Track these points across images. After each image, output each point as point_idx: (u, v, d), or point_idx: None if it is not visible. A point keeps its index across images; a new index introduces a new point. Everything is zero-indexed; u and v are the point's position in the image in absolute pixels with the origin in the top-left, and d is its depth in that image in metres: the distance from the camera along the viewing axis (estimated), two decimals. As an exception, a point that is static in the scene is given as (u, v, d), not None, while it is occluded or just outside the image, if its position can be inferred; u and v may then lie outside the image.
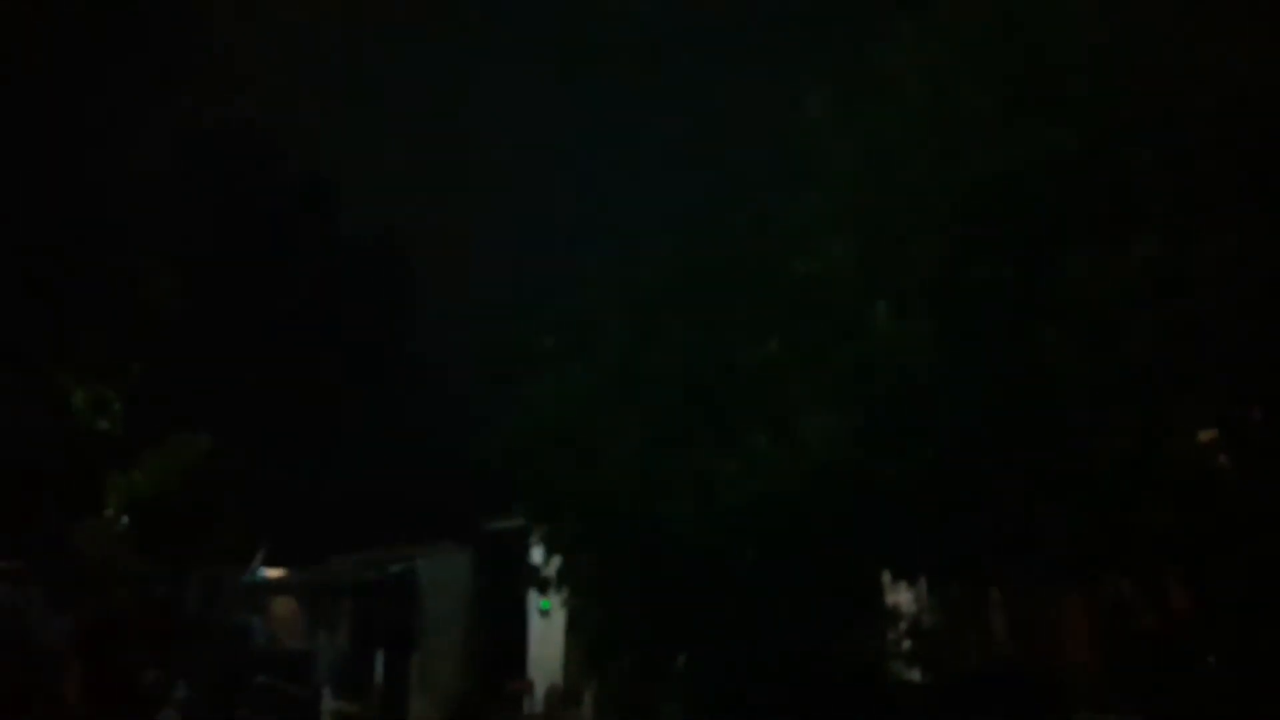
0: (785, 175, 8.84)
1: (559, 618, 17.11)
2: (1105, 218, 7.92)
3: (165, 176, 11.95)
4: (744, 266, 8.83)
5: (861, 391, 7.62)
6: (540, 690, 17.38)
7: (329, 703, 17.86)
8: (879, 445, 7.61)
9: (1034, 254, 7.88)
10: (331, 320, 15.83)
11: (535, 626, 18.27)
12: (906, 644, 9.47)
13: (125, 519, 14.30)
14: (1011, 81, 7.98)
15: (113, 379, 13.82)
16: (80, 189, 9.83)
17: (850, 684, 8.74)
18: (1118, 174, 7.86)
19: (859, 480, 7.69)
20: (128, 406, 14.01)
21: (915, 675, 9.85)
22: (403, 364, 17.31)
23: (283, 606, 21.22)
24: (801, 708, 8.55)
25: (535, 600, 17.65)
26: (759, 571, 8.18)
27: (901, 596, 10.03)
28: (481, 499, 17.74)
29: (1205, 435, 7.94)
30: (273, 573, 20.24)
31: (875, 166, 8.20)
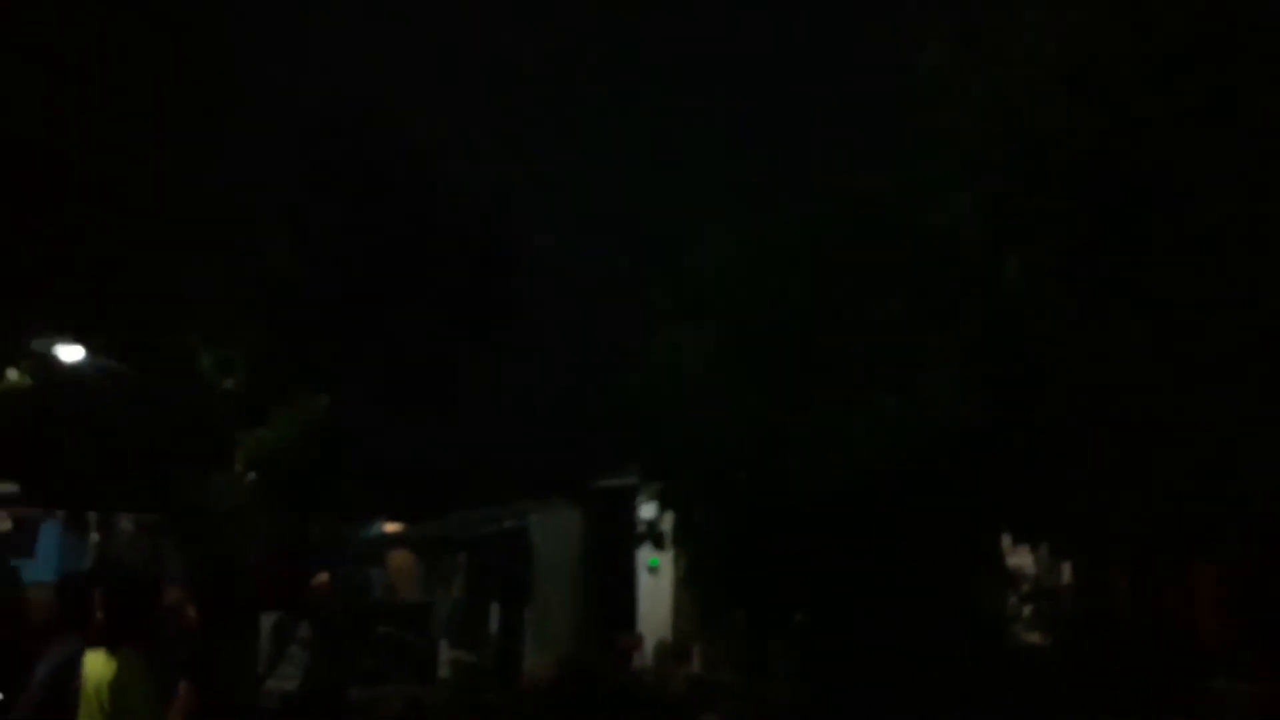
0: (912, 128, 8.64)
1: (667, 575, 17.27)
2: (1246, 167, 7.57)
3: (276, 146, 12.30)
4: (869, 222, 8.67)
5: (991, 348, 7.46)
6: (650, 646, 17.60)
7: (447, 653, 18.36)
8: (1007, 403, 7.46)
9: (1169, 204, 7.60)
10: (440, 280, 16.11)
11: (644, 583, 18.46)
12: (1027, 609, 9.33)
13: (252, 474, 14.88)
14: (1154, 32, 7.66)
15: (236, 341, 14.32)
16: (201, 157, 10.18)
17: (971, 645, 8.64)
18: (1256, 123, 7.51)
19: (985, 439, 7.56)
20: (251, 367, 14.51)
21: (1036, 639, 9.70)
22: (512, 323, 17.53)
23: (400, 559, 21.87)
24: (920, 668, 8.49)
25: (643, 558, 17.83)
26: (880, 529, 8.12)
27: (1023, 559, 9.87)
28: (589, 458, 17.94)
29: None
30: (390, 527, 20.86)
31: (1003, 117, 7.97)
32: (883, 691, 8.68)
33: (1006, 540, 9.50)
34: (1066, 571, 9.70)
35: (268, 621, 11.70)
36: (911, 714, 8.42)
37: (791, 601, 9.15)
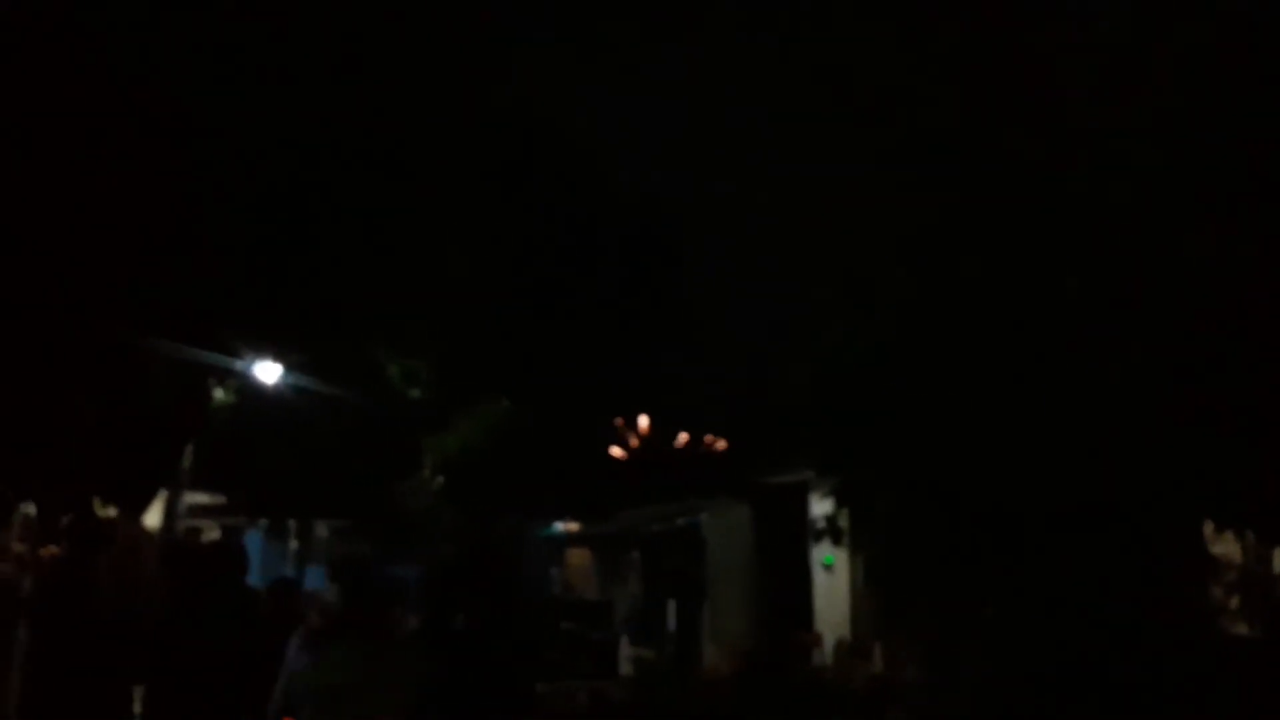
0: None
1: (843, 572, 17.13)
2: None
3: (453, 159, 12.80)
4: (1035, 193, 8.33)
5: (1186, 328, 7.18)
6: (829, 643, 17.49)
7: (626, 649, 18.69)
8: (1207, 385, 7.16)
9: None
10: (606, 283, 16.45)
11: (819, 580, 18.37)
12: (1235, 599, 8.90)
13: (440, 478, 15.54)
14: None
15: (423, 352, 14.96)
16: (387, 175, 10.74)
17: (1175, 640, 8.30)
18: None
19: (1183, 422, 7.27)
20: (436, 376, 15.14)
21: (1244, 631, 9.25)
22: (678, 325, 17.73)
23: (576, 557, 22.40)
24: (1123, 665, 8.21)
25: (817, 555, 17.76)
26: (1074, 520, 7.89)
27: (1228, 548, 9.42)
28: (759, 453, 17.95)
29: None
30: (567, 526, 21.38)
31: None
32: (1080, 691, 8.43)
33: (1209, 528, 9.09)
34: (1277, 559, 9.20)
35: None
36: (1111, 715, 8.16)
37: (982, 597, 8.97)
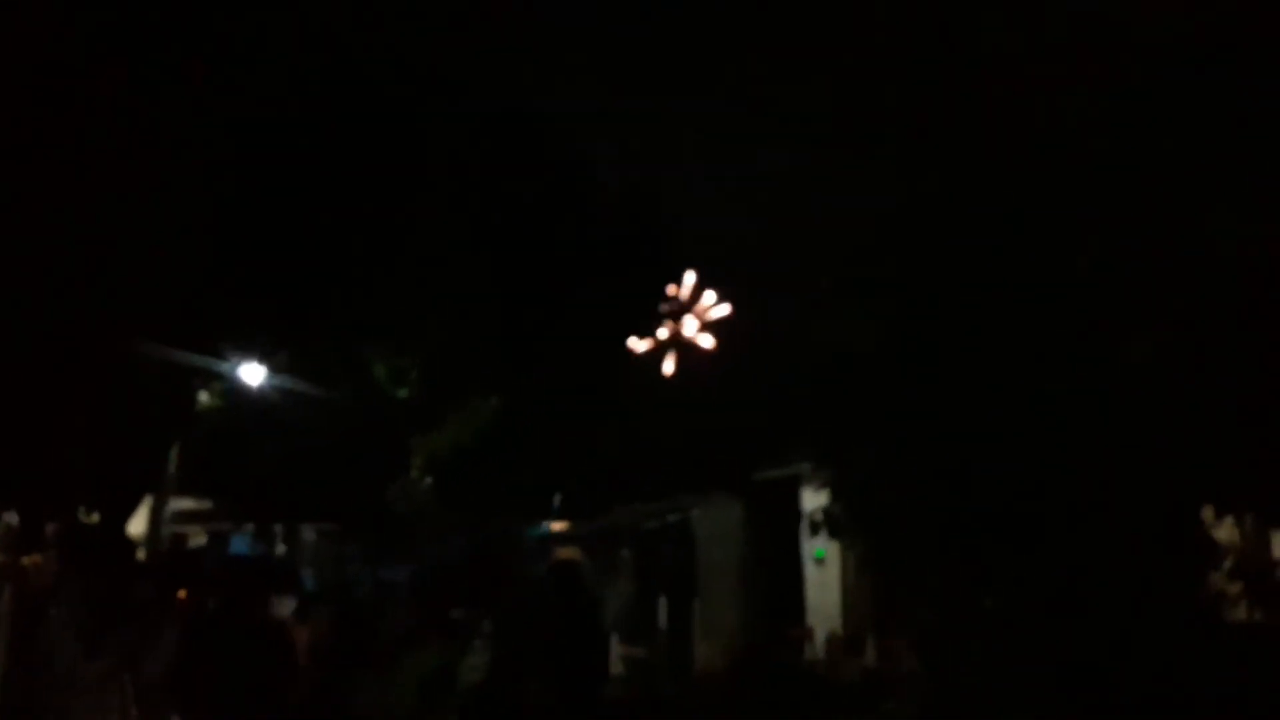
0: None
1: (834, 566, 17.08)
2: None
3: (441, 158, 12.66)
4: (1044, 170, 8.17)
5: (1189, 313, 7.11)
6: (821, 637, 17.43)
7: (617, 648, 18.55)
8: (1205, 372, 7.10)
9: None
10: (599, 280, 16.34)
11: (811, 575, 18.31)
12: (1236, 585, 8.86)
13: (429, 479, 15.40)
14: None
15: (408, 349, 14.81)
16: (373, 172, 10.59)
17: (1180, 627, 8.23)
18: None
19: (1184, 408, 7.21)
20: (424, 375, 14.99)
21: (1244, 615, 9.21)
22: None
23: (567, 555, 22.23)
24: (1124, 653, 8.14)
25: (808, 549, 17.70)
26: (1075, 507, 7.82)
27: (1226, 533, 9.38)
28: (749, 448, 17.89)
29: None
30: (558, 525, 21.24)
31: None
32: (1080, 681, 8.36)
33: (1208, 514, 9.05)
34: (1277, 544, 9.18)
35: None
36: (1114, 704, 8.09)
37: (981, 585, 8.89)
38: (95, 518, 10.70)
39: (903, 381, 8.56)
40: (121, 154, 8.21)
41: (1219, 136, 7.25)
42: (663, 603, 19.75)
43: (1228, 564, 9.19)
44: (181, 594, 7.47)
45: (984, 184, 8.37)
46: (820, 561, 17.57)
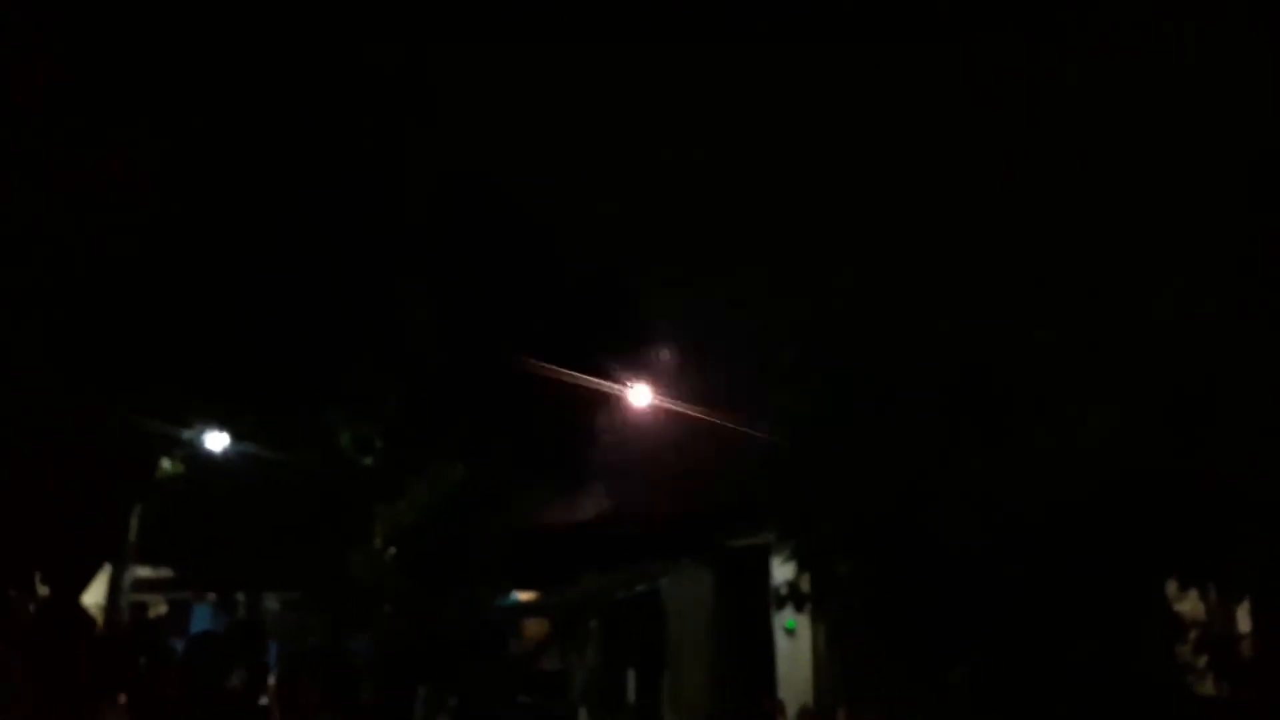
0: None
1: (805, 637, 16.91)
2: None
3: (405, 224, 12.71)
4: (1003, 247, 8.29)
5: (1147, 385, 7.17)
6: (792, 711, 17.20)
7: (585, 721, 18.27)
8: (1168, 442, 7.15)
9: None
10: (562, 347, 16.33)
11: (782, 646, 18.13)
12: (1202, 658, 8.83)
13: (392, 549, 15.19)
14: None
15: (373, 416, 14.68)
16: (337, 238, 10.61)
17: (1145, 699, 8.19)
18: None
19: (1146, 480, 7.24)
20: (388, 442, 14.87)
21: (1210, 690, 9.16)
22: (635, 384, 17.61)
23: (534, 627, 21.94)
24: (1091, 724, 8.10)
25: (779, 620, 17.55)
26: (1037, 577, 7.81)
27: (1189, 606, 9.37)
28: (718, 518, 17.76)
29: None
30: (524, 595, 20.98)
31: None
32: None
33: (1171, 587, 9.04)
34: (1241, 618, 9.16)
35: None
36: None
37: (949, 655, 8.82)
38: (45, 591, 10.46)
39: (862, 454, 8.58)
40: (78, 216, 8.19)
41: (1171, 214, 7.40)
42: (631, 675, 19.51)
43: (1193, 637, 9.15)
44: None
45: (936, 264, 8.53)
46: (791, 633, 17.41)
